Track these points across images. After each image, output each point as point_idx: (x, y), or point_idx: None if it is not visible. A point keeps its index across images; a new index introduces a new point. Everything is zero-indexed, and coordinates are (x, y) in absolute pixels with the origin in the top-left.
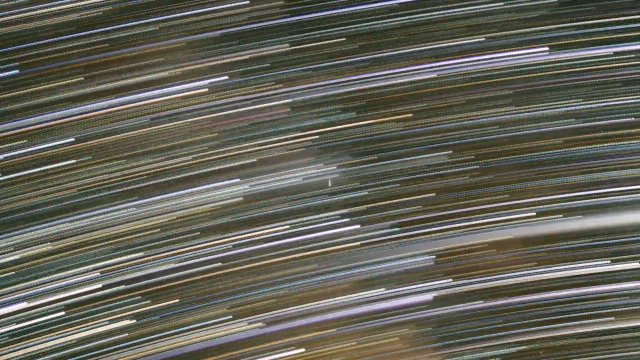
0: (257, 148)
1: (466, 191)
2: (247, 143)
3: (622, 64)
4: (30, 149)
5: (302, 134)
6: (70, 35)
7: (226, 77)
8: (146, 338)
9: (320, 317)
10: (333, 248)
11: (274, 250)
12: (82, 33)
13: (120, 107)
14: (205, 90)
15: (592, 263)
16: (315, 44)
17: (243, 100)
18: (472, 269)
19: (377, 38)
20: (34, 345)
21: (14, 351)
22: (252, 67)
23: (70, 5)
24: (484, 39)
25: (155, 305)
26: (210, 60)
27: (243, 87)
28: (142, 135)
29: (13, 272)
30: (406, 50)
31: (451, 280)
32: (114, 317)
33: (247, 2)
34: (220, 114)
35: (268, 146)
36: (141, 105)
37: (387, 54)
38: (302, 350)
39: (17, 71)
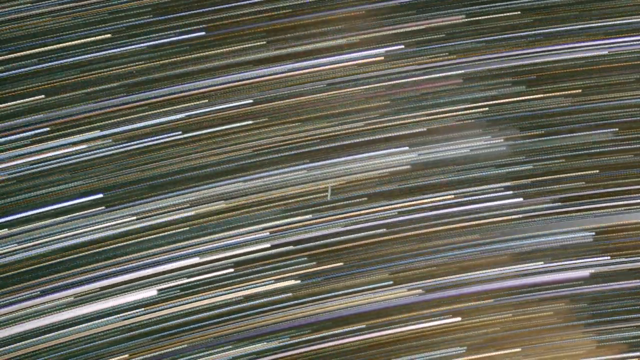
0: (427, 117)
1: (630, 169)
2: (418, 112)
3: None
4: (210, 109)
5: (471, 105)
6: (255, 0)
7: (402, 46)
8: (309, 299)
9: (478, 287)
10: (495, 220)
11: (437, 219)
12: None
13: (298, 72)
14: (381, 58)
15: None
16: (491, 16)
17: (416, 70)
18: (631, 247)
19: (551, 13)
20: (202, 299)
21: (183, 304)
22: (427, 37)
23: None
24: None
25: (320, 267)
26: (387, 29)
27: (417, 57)
28: (318, 100)
29: (187, 228)
30: (578, 27)
31: (609, 257)
32: (279, 276)
33: None
34: (394, 82)
35: (438, 116)
36: (318, 71)
37: (559, 29)
38: (459, 319)
39: (203, 33)
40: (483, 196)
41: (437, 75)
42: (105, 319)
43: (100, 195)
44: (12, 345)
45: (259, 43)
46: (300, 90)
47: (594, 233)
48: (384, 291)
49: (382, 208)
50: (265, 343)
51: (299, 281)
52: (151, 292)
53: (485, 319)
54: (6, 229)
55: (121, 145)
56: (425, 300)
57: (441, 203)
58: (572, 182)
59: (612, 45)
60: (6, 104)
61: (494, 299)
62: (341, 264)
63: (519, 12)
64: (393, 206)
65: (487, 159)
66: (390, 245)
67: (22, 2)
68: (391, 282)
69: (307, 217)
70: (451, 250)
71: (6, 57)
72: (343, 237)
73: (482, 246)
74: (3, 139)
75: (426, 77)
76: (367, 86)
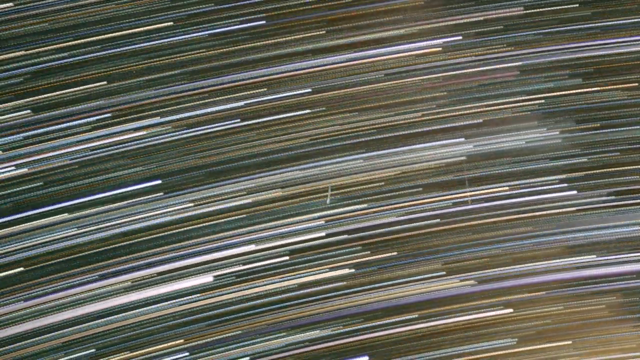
0: (484, 109)
1: None
2: (475, 103)
3: None
4: (269, 97)
5: (528, 97)
6: None
7: (460, 37)
8: (362, 288)
9: (530, 279)
10: (549, 212)
11: (491, 210)
12: None
13: (356, 62)
14: (439, 49)
15: None
16: (549, 8)
17: (474, 61)
18: None
19: (609, 6)
20: (257, 286)
21: (239, 291)
22: (485, 28)
23: None
24: None
25: (374, 257)
26: (445, 20)
27: (475, 48)
28: (375, 90)
29: (244, 215)
30: (636, 20)
31: None
32: (334, 265)
33: None
34: (451, 73)
35: (494, 108)
36: (376, 61)
37: (617, 22)
38: (510, 310)
39: (264, 22)
40: (538, 188)
41: (495, 67)
42: (161, 304)
43: (159, 182)
44: (72, 328)
45: (318, 32)
46: (358, 80)
47: None
48: (436, 281)
49: (436, 199)
50: (318, 331)
51: (352, 270)
52: (207, 279)
53: (537, 311)
54: (67, 214)
55: (180, 132)
56: (478, 291)
57: (496, 194)
58: (627, 176)
59: None
60: (69, 90)
61: (546, 292)
62: (395, 253)
63: (578, 5)
64: (448, 197)
65: (543, 152)
66: (444, 235)
67: None
68: (444, 273)
69: (363, 206)
70: (505, 242)
71: (70, 43)
72: (397, 227)
73: (535, 238)
74: (66, 125)
75: (483, 68)
76: (425, 77)
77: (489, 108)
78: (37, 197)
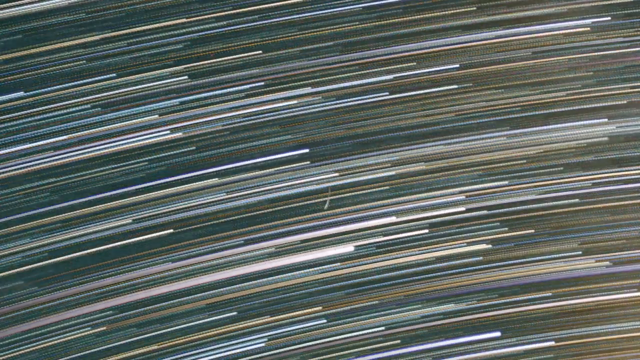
0: (629, 90)
1: None
2: (620, 85)
3: None
4: (418, 72)
5: None
6: None
7: (609, 18)
8: (499, 263)
9: None
10: None
11: (631, 192)
12: None
13: (505, 39)
14: (587, 29)
15: None
16: None
17: (622, 42)
18: None
19: None
20: (396, 258)
21: (377, 262)
22: (635, 9)
23: None
24: None
25: (512, 233)
26: (595, 0)
27: (624, 29)
28: (522, 68)
29: (387, 187)
30: None
31: None
32: (472, 240)
33: None
34: (598, 53)
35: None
36: (525, 39)
37: None
38: None
39: None
40: None
41: None
42: (302, 271)
43: (306, 150)
44: (215, 290)
45: (469, 9)
46: (506, 57)
47: None
48: (572, 261)
49: (577, 178)
50: (453, 305)
51: (490, 246)
52: (348, 248)
53: None
54: (216, 179)
55: (330, 103)
56: (612, 272)
57: (636, 177)
58: None
59: None
60: (225, 58)
61: None
62: (532, 231)
63: None
64: (588, 177)
65: None
66: (582, 215)
67: None
68: (580, 253)
69: (503, 183)
70: None
71: (229, 12)
72: (536, 204)
73: None
74: (220, 92)
75: (631, 49)
76: (571, 56)
77: (634, 90)
78: (189, 162)
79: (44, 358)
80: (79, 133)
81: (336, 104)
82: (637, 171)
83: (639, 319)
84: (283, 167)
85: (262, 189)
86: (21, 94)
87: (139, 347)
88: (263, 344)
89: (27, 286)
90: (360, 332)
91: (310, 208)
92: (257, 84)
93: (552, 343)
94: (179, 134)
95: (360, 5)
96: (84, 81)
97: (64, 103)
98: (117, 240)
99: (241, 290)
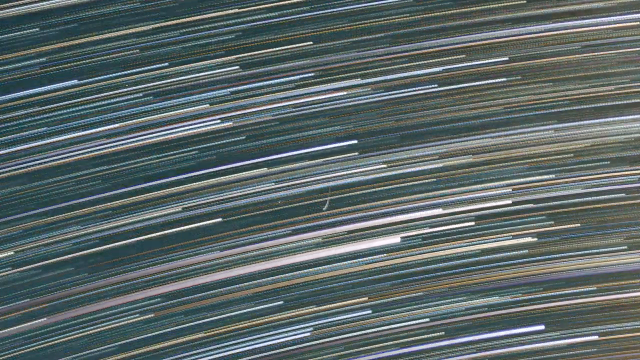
0: None
1: None
2: None
3: None
4: (467, 64)
5: None
6: None
7: None
8: (544, 257)
9: None
10: None
11: None
12: None
13: (555, 32)
14: (637, 23)
15: None
16: None
17: None
18: None
19: None
20: (442, 250)
21: (423, 253)
22: None
23: None
24: None
25: (558, 227)
26: None
27: None
28: (571, 61)
29: (434, 179)
30: None
31: None
32: (517, 233)
33: None
34: None
35: None
36: (574, 32)
37: None
38: None
39: None
40: None
41: None
42: (348, 262)
43: (355, 142)
44: (262, 280)
45: (519, 2)
46: (555, 51)
47: None
48: (617, 255)
49: (623, 173)
50: (497, 297)
51: (535, 239)
52: (395, 239)
53: None
54: (265, 168)
55: (379, 94)
56: None
57: None
58: None
59: None
60: (277, 49)
61: None
62: (578, 225)
63: None
64: (635, 172)
65: None
66: (628, 210)
67: None
68: (625, 247)
69: (550, 176)
70: None
71: (280, 3)
72: (583, 198)
73: None
74: (270, 82)
75: None
76: (621, 50)
77: None
78: (238, 151)
79: (93, 344)
80: (131, 121)
81: (385, 95)
82: None
83: None
84: (331, 158)
85: (311, 179)
86: (75, 82)
87: (186, 335)
88: (308, 334)
89: (77, 273)
90: (405, 323)
91: (357, 199)
92: (307, 75)
93: (595, 337)
94: (229, 124)
95: None
96: (137, 70)
97: (116, 92)
98: (166, 229)
99: (288, 279)
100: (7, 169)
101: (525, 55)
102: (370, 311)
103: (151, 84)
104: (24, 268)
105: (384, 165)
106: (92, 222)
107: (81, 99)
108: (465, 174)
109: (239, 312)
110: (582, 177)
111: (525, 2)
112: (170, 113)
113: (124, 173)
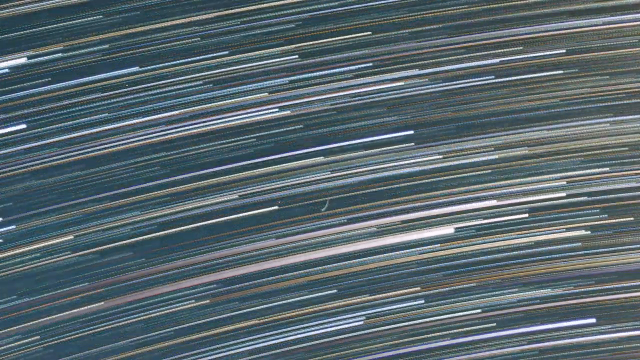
0: None
1: None
2: None
3: None
4: (524, 56)
5: None
6: None
7: None
8: (598, 250)
9: None
10: None
11: None
12: None
13: (613, 25)
14: None
15: None
16: None
17: None
18: None
19: None
20: (495, 241)
21: (477, 244)
22: None
23: None
24: None
25: (611, 220)
26: None
27: None
28: (629, 55)
29: (489, 171)
30: None
31: None
32: (571, 225)
33: None
34: None
35: None
36: (632, 26)
37: None
38: None
39: None
40: None
41: None
42: (402, 252)
43: (411, 132)
44: (317, 268)
45: None
46: (612, 44)
47: None
48: None
49: None
50: (549, 290)
51: (589, 232)
52: (449, 230)
53: None
54: (322, 157)
55: (436, 85)
56: None
57: None
58: None
59: None
60: (336, 38)
61: None
62: (632, 218)
63: None
64: None
65: None
66: None
67: None
68: None
69: (605, 169)
70: None
71: None
72: (637, 192)
73: None
74: (328, 72)
75: None
76: None
77: None
78: (296, 140)
79: (149, 329)
80: (190, 108)
81: (442, 86)
82: None
83: None
84: (388, 148)
85: (367, 168)
86: (136, 68)
87: (240, 322)
88: (361, 322)
89: (135, 258)
90: (457, 314)
91: (413, 189)
92: (365, 65)
93: None
94: (287, 112)
95: None
96: (197, 58)
97: (176, 79)
98: (222, 215)
99: (341, 268)
100: (68, 155)
101: (583, 48)
102: (422, 301)
103: (211, 72)
104: (82, 252)
105: (440, 156)
106: (150, 208)
107: (142, 86)
108: (520, 165)
109: (292, 299)
110: (637, 171)
111: None
112: (229, 101)
113: (182, 159)
